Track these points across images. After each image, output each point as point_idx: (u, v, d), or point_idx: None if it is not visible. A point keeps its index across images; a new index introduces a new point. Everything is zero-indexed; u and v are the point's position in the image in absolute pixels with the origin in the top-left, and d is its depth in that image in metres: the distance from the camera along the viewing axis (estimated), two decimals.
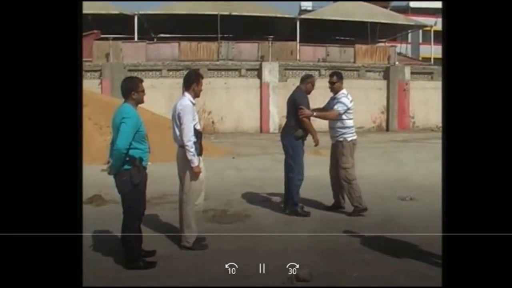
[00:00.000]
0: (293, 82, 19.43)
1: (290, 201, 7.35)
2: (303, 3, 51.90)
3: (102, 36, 27.80)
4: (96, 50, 27.02)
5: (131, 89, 5.03)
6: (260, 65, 26.81)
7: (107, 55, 26.95)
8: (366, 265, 5.21)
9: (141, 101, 5.14)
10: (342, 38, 35.44)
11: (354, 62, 28.67)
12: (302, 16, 32.11)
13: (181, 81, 5.91)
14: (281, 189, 7.72)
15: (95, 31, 26.91)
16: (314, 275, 4.73)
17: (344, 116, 7.39)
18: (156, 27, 33.07)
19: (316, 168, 9.20)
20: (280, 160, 7.55)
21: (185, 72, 6.88)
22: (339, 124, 7.39)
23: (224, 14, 28.76)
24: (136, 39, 29.90)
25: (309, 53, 28.88)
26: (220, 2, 29.19)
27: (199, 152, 5.54)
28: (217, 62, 27.15)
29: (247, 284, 4.65)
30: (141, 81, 5.18)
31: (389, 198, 8.47)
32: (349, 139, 7.39)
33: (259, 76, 26.75)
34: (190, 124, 5.42)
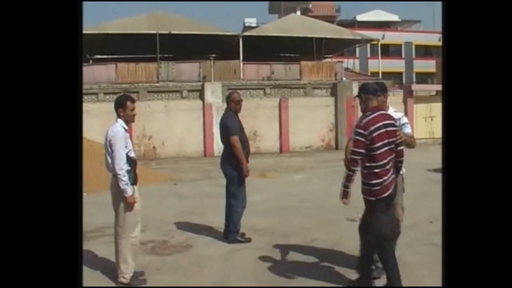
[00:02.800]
0: None
1: (231, 229, 7.36)
2: (247, 20, 52.59)
3: None
4: None
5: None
6: (202, 86, 26.70)
7: None
8: None
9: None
10: (287, 55, 35.82)
11: (300, 79, 28.93)
12: (245, 34, 32.02)
13: None
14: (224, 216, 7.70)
15: None
16: None
17: None
18: (91, 48, 32.57)
19: (260, 192, 9.25)
20: (223, 185, 7.56)
21: None
22: None
23: (163, 33, 28.53)
24: None
25: (253, 72, 28.98)
26: (158, 20, 29.00)
27: (134, 181, 5.51)
28: (157, 84, 26.87)
29: None
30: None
31: (337, 220, 8.58)
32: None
33: (201, 97, 26.63)
34: (122, 151, 5.39)
